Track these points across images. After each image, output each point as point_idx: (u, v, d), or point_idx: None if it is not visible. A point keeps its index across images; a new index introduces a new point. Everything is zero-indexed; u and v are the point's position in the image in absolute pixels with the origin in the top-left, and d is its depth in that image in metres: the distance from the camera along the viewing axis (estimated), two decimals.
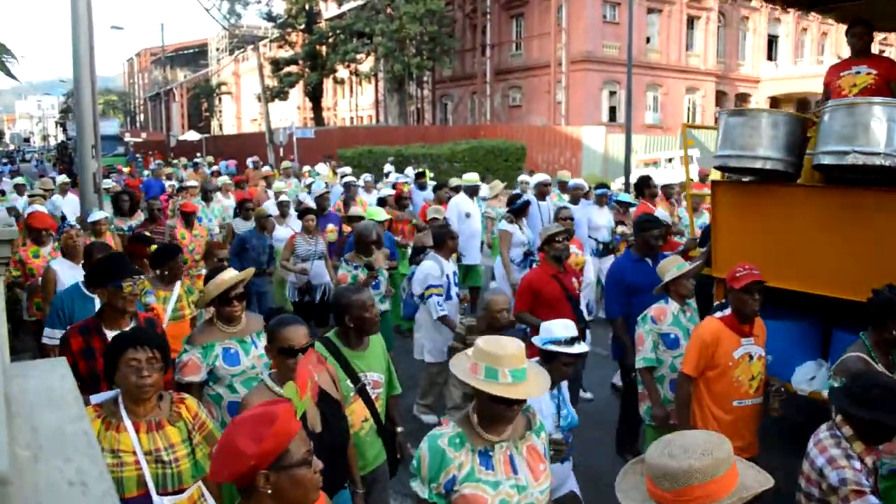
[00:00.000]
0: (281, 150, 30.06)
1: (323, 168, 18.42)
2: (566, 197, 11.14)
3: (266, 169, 19.04)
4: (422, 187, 13.24)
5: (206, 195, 12.29)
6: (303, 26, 42.73)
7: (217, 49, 66.37)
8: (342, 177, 15.04)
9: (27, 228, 7.47)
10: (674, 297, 4.96)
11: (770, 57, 45.68)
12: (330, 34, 42.12)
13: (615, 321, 5.92)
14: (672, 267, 4.96)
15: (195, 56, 74.24)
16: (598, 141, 32.53)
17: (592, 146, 32.41)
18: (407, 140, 31.12)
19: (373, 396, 3.91)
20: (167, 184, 16.39)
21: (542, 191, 9.97)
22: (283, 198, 10.68)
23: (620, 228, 9.89)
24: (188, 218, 9.41)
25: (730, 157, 5.25)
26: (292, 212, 10.22)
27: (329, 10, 47.00)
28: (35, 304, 6.82)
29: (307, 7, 42.35)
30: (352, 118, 54.40)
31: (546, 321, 3.98)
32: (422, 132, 35.22)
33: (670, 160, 28.02)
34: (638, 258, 5.91)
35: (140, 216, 10.41)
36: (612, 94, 37.87)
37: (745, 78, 44.44)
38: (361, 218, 8.48)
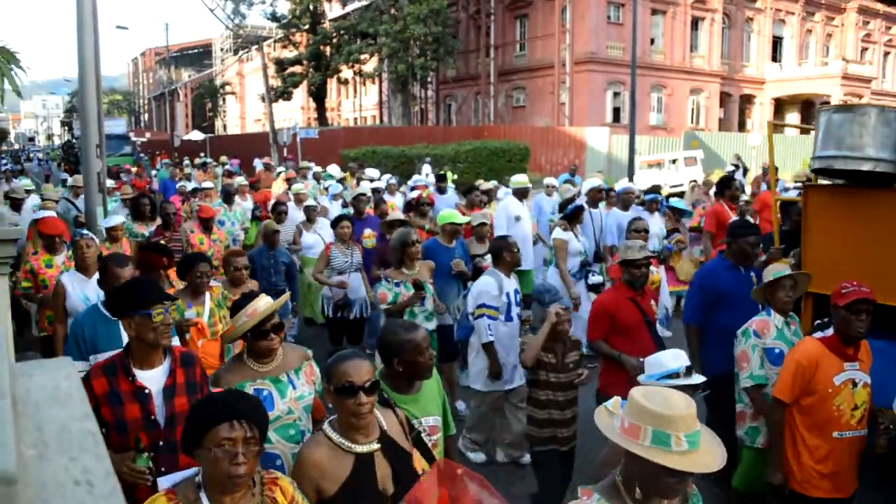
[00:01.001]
0: (285, 150, 30.08)
1: (335, 169, 17.89)
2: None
3: (281, 170, 18.26)
4: (442, 191, 12.38)
5: (228, 197, 11.32)
6: (307, 27, 42.76)
7: (221, 49, 66.47)
8: (358, 181, 14.29)
9: (38, 235, 7.01)
10: (775, 308, 4.49)
11: (775, 58, 45.61)
12: (334, 34, 42.17)
13: (690, 328, 5.45)
14: (770, 274, 4.51)
15: (199, 56, 74.46)
16: (602, 142, 32.51)
17: (596, 147, 32.39)
18: (411, 141, 31.13)
19: (430, 444, 3.31)
20: (178, 185, 15.44)
21: (594, 197, 9.03)
22: (309, 202, 10.11)
23: (675, 237, 9.33)
24: (206, 223, 8.87)
25: (834, 159, 4.81)
26: (321, 219, 9.70)
27: (333, 11, 47.05)
28: (47, 318, 6.25)
29: (311, 7, 42.38)
30: (355, 119, 54.42)
31: (630, 351, 3.77)
32: (425, 133, 35.22)
33: (674, 161, 27.96)
34: (731, 265, 5.40)
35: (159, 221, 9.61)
36: (616, 95, 37.83)
37: (749, 79, 44.38)
38: (403, 223, 7.63)
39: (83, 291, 5.29)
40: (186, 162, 25.92)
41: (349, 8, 43.35)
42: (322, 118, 47.03)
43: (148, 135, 56.83)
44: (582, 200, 9.45)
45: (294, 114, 54.57)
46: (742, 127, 43.85)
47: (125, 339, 3.47)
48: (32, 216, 7.80)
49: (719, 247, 6.76)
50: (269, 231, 7.93)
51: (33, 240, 7.26)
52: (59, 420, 0.98)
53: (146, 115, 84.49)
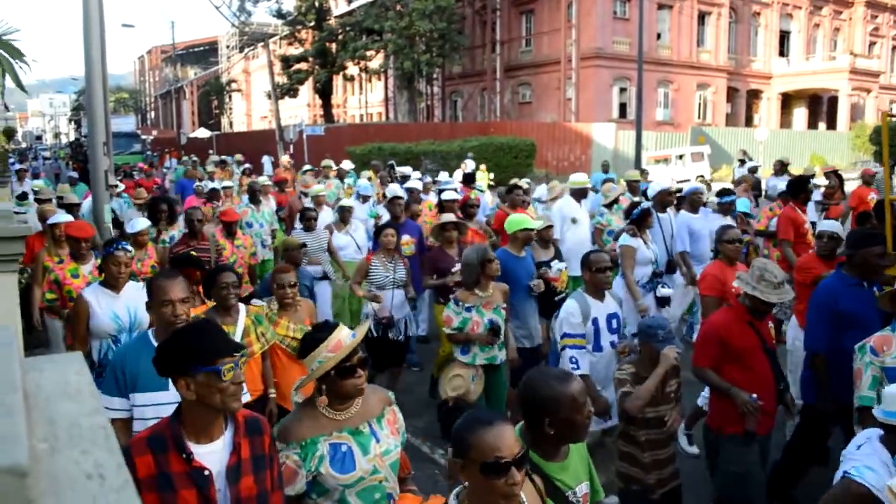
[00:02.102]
0: (291, 146, 30.14)
1: (347, 164, 16.81)
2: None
3: (307, 168, 17.08)
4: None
5: (255, 197, 10.42)
6: (312, 23, 42.78)
7: (227, 46, 66.52)
8: (382, 181, 13.44)
9: (53, 240, 6.50)
10: None
11: (782, 53, 45.44)
12: (340, 31, 42.20)
13: (816, 356, 4.80)
14: None
15: (205, 53, 74.58)
16: (609, 138, 32.46)
17: (602, 143, 32.34)
18: (417, 137, 31.16)
19: None
20: (196, 185, 14.40)
21: (664, 200, 8.02)
22: (344, 201, 9.38)
23: (744, 238, 8.36)
24: (229, 227, 8.13)
25: None
26: (355, 220, 9.09)
27: (339, 7, 47.07)
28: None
29: (317, 4, 42.41)
30: (361, 115, 54.46)
31: (744, 382, 3.47)
32: (431, 129, 35.22)
33: (681, 157, 27.92)
34: (855, 282, 4.75)
35: (181, 226, 8.63)
36: (623, 90, 37.75)
37: (756, 74, 44.23)
38: (457, 227, 6.93)
39: (112, 309, 4.59)
40: (195, 159, 25.64)
41: (354, 4, 43.35)
42: (328, 115, 47.08)
43: (154, 132, 57.10)
44: (620, 201, 8.93)
45: (300, 111, 54.68)
46: (749, 122, 43.72)
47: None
48: (53, 219, 6.90)
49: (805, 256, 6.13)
50: (291, 247, 6.72)
51: (48, 246, 6.56)
52: (70, 414, 0.98)
53: (152, 113, 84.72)
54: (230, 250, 7.87)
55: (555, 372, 2.82)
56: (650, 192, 8.51)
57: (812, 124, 46.33)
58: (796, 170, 16.47)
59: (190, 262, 5.40)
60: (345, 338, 2.80)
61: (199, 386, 2.37)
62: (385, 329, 6.56)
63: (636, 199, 9.69)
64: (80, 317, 4.58)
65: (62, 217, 7.07)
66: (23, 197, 11.76)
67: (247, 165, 21.09)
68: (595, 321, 4.88)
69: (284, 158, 21.90)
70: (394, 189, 9.57)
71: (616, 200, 9.28)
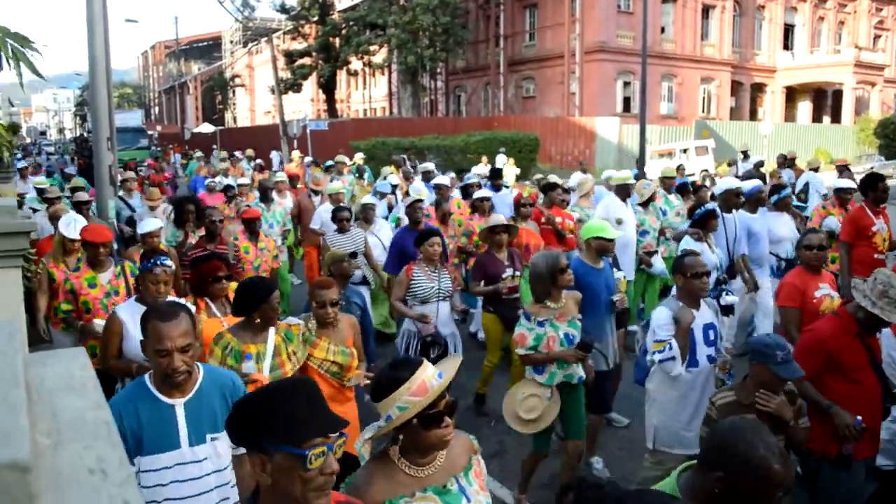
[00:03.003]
0: (295, 141, 30.14)
1: (360, 157, 16.27)
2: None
3: (309, 160, 16.31)
4: (497, 189, 10.44)
5: (266, 195, 9.89)
6: (316, 18, 42.73)
7: (231, 42, 66.57)
8: (407, 178, 12.68)
9: (62, 245, 5.81)
10: None
11: (786, 46, 45.28)
12: (343, 26, 42.15)
13: None
14: None
15: (209, 49, 74.58)
16: (613, 132, 32.40)
17: (607, 137, 32.29)
18: (420, 132, 31.14)
19: None
20: (207, 181, 13.50)
21: (731, 201, 7.23)
22: (367, 199, 8.78)
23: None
24: (252, 227, 7.45)
25: None
26: (378, 218, 8.53)
27: (342, 2, 47.00)
28: (90, 348, 4.68)
29: None
30: (365, 110, 54.41)
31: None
32: (435, 124, 35.20)
33: (685, 151, 27.86)
34: None
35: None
36: (627, 84, 37.66)
37: (761, 67, 44.08)
38: (507, 229, 6.47)
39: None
40: (199, 153, 25.30)
41: None
42: (332, 110, 47.05)
43: (159, 128, 57.05)
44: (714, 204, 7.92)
45: (304, 106, 54.60)
46: (753, 116, 43.58)
47: (184, 429, 2.70)
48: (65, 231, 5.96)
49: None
50: (338, 260, 5.65)
51: (54, 252, 5.87)
52: (74, 409, 0.99)
53: (156, 109, 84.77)
54: (254, 253, 7.30)
55: (759, 429, 2.28)
56: (715, 191, 7.85)
57: (816, 118, 46.17)
58: (800, 162, 16.40)
59: (213, 256, 4.90)
60: (430, 378, 2.25)
61: (276, 469, 1.78)
62: (428, 347, 5.73)
63: (671, 196, 9.44)
64: (111, 338, 4.09)
65: (71, 230, 5.80)
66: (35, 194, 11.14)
67: (258, 161, 20.31)
68: (690, 332, 4.37)
69: (295, 153, 21.42)
70: (417, 188, 8.93)
71: (652, 198, 8.82)
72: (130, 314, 4.02)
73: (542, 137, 30.93)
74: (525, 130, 31.30)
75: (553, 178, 9.69)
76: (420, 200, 7.86)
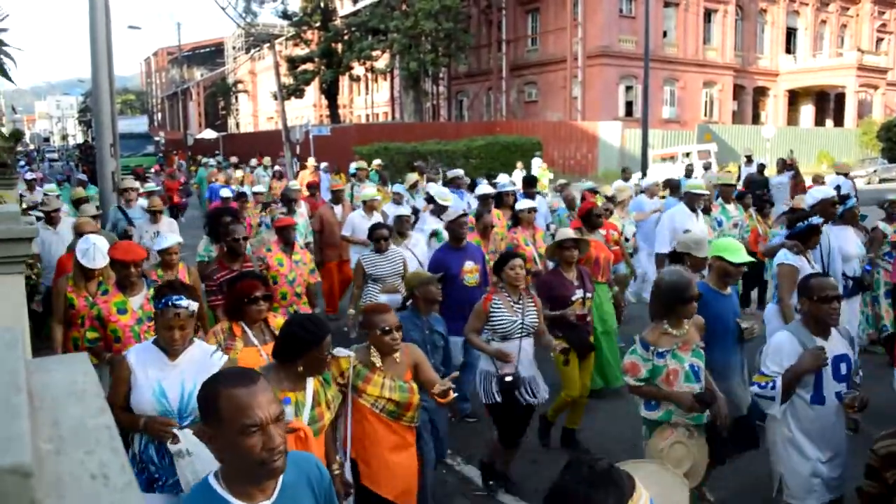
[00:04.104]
0: (297, 147, 30.19)
1: (377, 163, 15.96)
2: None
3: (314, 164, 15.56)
4: (532, 197, 9.50)
5: (289, 205, 9.36)
6: (318, 24, 42.87)
7: (233, 48, 66.71)
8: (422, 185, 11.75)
9: (78, 268, 5.18)
10: None
11: (788, 50, 45.28)
12: (345, 31, 42.28)
13: None
14: None
15: (212, 55, 74.80)
16: (615, 136, 32.42)
17: (609, 141, 32.31)
18: (423, 136, 31.18)
19: None
20: (222, 190, 12.67)
21: (828, 212, 6.47)
22: (401, 210, 8.14)
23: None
24: (286, 236, 6.76)
25: None
26: (413, 232, 7.76)
27: (344, 8, 47.10)
28: None
29: (322, 5, 42.53)
30: (367, 115, 54.50)
31: None
32: (437, 128, 35.23)
33: (688, 155, 27.87)
34: None
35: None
36: (629, 88, 37.68)
37: (763, 71, 44.08)
38: (577, 245, 5.72)
39: (159, 381, 3.29)
40: (235, 161, 24.65)
41: (360, 5, 43.34)
42: (334, 115, 47.16)
43: (162, 134, 57.22)
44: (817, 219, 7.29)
45: (306, 111, 54.71)
46: (756, 119, 43.57)
47: None
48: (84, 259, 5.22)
49: None
50: (424, 282, 4.86)
51: (73, 272, 5.30)
52: (76, 415, 0.99)
53: (159, 115, 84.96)
54: (288, 266, 6.54)
55: None
56: (810, 200, 6.83)
57: (819, 121, 46.14)
58: (802, 167, 16.39)
59: (249, 274, 4.37)
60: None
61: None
62: (508, 391, 4.84)
63: (728, 206, 8.46)
64: (117, 385, 3.35)
65: (89, 259, 5.06)
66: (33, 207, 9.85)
67: (277, 168, 19.34)
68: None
69: (310, 160, 20.09)
70: (441, 192, 8.14)
71: (707, 209, 8.12)
72: (142, 360, 3.35)
73: (545, 142, 30.95)
74: (527, 135, 31.33)
75: (589, 184, 8.96)
76: (465, 215, 6.88)
